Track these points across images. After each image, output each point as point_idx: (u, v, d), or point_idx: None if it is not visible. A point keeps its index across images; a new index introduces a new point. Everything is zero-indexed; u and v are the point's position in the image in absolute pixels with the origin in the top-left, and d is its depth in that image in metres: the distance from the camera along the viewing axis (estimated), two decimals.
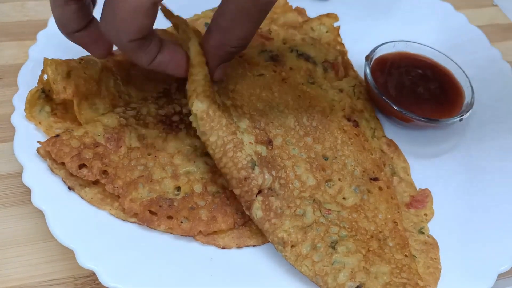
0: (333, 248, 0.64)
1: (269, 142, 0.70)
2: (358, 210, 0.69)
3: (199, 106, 0.64)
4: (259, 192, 0.66)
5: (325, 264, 0.63)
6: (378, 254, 0.65)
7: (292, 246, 0.64)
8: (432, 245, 0.70)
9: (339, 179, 0.72)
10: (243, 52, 0.82)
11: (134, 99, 0.77)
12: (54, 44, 0.83)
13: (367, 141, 0.80)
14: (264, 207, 0.66)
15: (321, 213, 0.67)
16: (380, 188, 0.73)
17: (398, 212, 0.72)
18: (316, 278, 0.63)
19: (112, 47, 0.73)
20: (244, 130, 0.70)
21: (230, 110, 0.71)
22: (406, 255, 0.66)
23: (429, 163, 0.83)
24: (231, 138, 0.66)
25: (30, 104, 0.71)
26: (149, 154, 0.71)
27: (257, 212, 0.66)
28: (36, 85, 0.72)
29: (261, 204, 0.66)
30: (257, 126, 0.71)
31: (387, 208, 0.71)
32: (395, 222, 0.70)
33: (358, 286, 0.62)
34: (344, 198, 0.70)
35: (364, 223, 0.68)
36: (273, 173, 0.68)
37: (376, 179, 0.74)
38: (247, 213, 0.66)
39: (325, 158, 0.73)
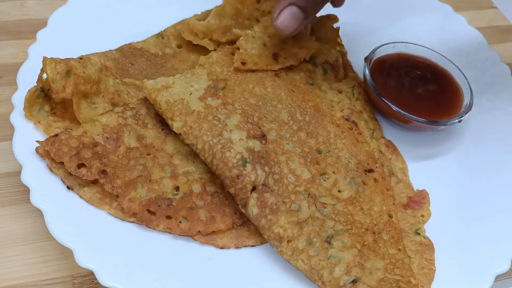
0: (329, 243, 0.65)
1: (262, 136, 0.70)
2: (353, 202, 0.70)
3: (176, 125, 0.70)
4: (254, 189, 0.67)
5: (321, 258, 0.64)
6: (373, 248, 0.65)
7: (288, 241, 0.65)
8: (427, 246, 0.70)
9: (334, 172, 0.72)
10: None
11: (134, 99, 0.77)
12: (53, 43, 0.83)
13: (361, 133, 0.80)
14: (260, 204, 0.66)
15: (316, 207, 0.67)
16: (375, 180, 0.74)
17: (394, 204, 0.72)
18: (311, 272, 0.63)
19: None
20: (234, 127, 0.70)
21: (217, 110, 0.72)
22: (399, 249, 0.66)
23: (428, 165, 0.83)
24: (217, 140, 0.68)
25: (29, 103, 0.71)
26: (148, 154, 0.71)
27: (252, 209, 0.66)
28: (36, 84, 0.72)
29: (256, 201, 0.66)
30: (250, 120, 0.72)
31: (382, 199, 0.72)
32: (390, 214, 0.70)
33: (354, 280, 0.62)
34: (339, 191, 0.71)
35: (359, 216, 0.68)
36: (266, 169, 0.68)
37: (371, 170, 0.74)
38: (243, 211, 0.67)
39: (319, 152, 0.74)
